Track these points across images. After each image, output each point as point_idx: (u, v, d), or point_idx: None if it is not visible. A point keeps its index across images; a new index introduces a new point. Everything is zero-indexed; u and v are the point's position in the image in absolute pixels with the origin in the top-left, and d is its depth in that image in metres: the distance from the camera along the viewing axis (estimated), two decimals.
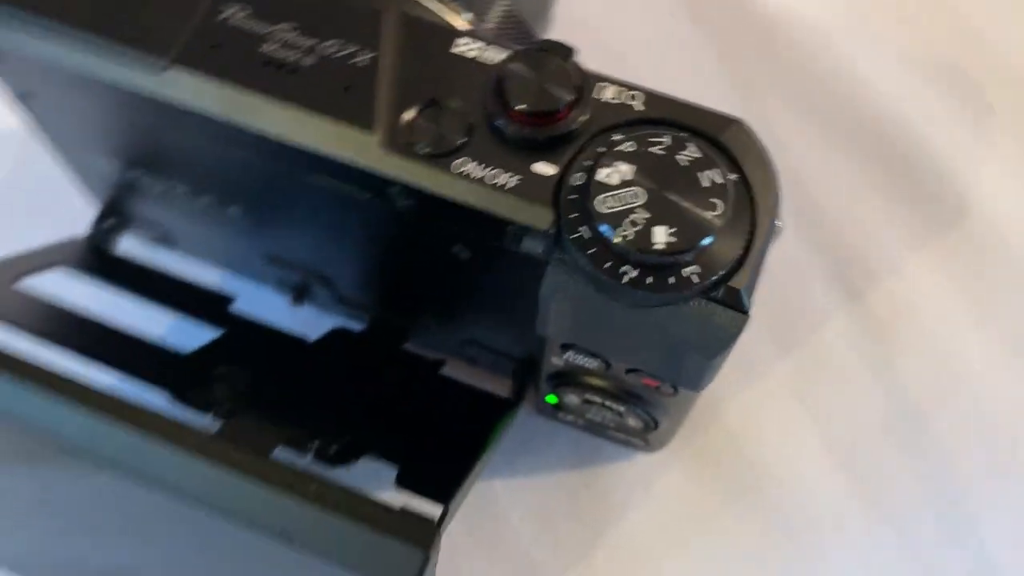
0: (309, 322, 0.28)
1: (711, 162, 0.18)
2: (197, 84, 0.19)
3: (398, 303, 0.26)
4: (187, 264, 0.29)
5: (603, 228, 0.17)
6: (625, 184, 0.18)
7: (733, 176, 0.18)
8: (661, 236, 0.17)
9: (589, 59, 0.19)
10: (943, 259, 0.29)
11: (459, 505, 0.21)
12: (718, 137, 0.18)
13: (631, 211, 0.17)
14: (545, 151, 0.18)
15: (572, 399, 0.24)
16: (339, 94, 0.19)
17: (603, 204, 0.17)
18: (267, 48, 0.19)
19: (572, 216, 0.18)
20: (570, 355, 0.21)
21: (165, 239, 0.29)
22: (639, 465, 0.27)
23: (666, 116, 0.19)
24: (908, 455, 0.27)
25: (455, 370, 0.27)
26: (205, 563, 0.22)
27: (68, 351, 0.22)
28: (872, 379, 0.28)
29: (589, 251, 0.18)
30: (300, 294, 0.27)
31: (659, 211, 0.17)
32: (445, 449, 0.22)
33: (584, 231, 0.18)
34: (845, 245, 0.30)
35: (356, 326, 0.27)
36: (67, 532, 0.24)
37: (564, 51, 0.19)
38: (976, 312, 0.29)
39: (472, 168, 0.18)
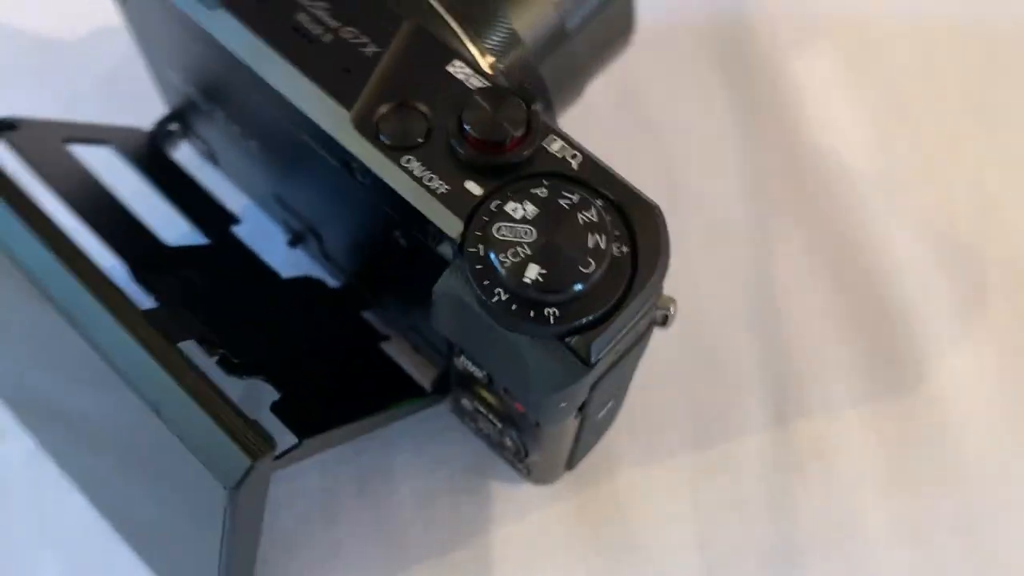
0: (300, 265, 0.31)
1: (602, 228, 0.20)
2: (234, 28, 0.23)
3: (364, 274, 0.29)
4: (225, 186, 0.33)
5: (492, 253, 0.20)
6: (524, 221, 0.20)
7: (622, 247, 0.20)
8: (532, 272, 0.20)
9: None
10: (880, 422, 0.30)
11: (315, 451, 0.23)
12: (627, 212, 0.21)
13: (519, 245, 0.20)
14: (481, 174, 0.21)
15: (467, 404, 0.26)
16: (338, 72, 0.22)
17: (500, 232, 0.20)
18: (300, 17, 0.23)
19: (476, 234, 0.20)
20: (463, 359, 0.24)
21: (211, 157, 0.33)
22: (525, 493, 0.29)
23: (592, 181, 0.21)
24: None
25: (399, 349, 0.30)
26: (107, 422, 0.25)
27: (71, 206, 0.25)
28: (768, 507, 0.29)
29: (476, 267, 0.20)
30: (296, 239, 0.31)
31: (540, 253, 0.20)
32: (335, 402, 0.25)
33: (479, 249, 0.20)
34: (793, 369, 0.31)
35: (332, 283, 0.31)
36: (29, 363, 0.27)
37: (529, 97, 0.21)
38: (892, 485, 0.29)
39: (416, 167, 0.21)
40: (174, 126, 0.32)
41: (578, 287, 0.20)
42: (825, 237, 0.33)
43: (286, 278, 0.29)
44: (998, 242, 0.33)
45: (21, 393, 0.29)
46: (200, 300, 0.25)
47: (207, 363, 0.23)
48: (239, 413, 0.21)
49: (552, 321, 0.20)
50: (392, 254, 0.25)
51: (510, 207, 0.20)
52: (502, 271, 0.20)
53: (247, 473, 0.20)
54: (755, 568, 0.28)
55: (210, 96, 0.27)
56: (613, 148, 0.24)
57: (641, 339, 0.22)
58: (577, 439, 0.26)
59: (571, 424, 0.24)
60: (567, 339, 0.20)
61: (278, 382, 0.24)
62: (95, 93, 0.35)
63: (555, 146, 0.21)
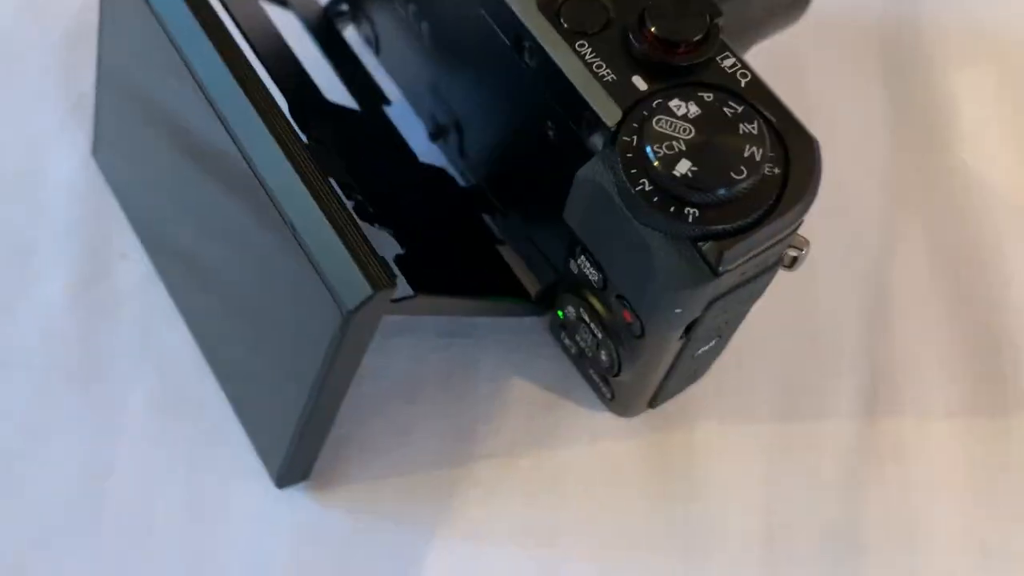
0: (432, 159, 0.32)
1: (760, 142, 0.20)
2: None
3: (496, 176, 0.29)
4: (379, 74, 0.34)
5: (646, 143, 0.20)
6: (684, 119, 0.20)
7: (774, 168, 0.20)
8: (683, 167, 0.20)
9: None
10: (970, 438, 0.29)
11: (425, 310, 0.24)
12: (785, 138, 0.21)
13: (675, 139, 0.20)
14: (649, 72, 0.21)
15: (571, 311, 0.26)
16: None
17: (658, 124, 0.20)
18: None
19: (632, 124, 0.21)
20: (581, 260, 0.24)
21: (373, 43, 0.34)
22: (600, 422, 0.29)
23: (757, 101, 0.21)
24: (828, 569, 0.28)
25: (510, 260, 0.30)
26: (229, 249, 0.26)
27: (249, 44, 0.27)
28: (839, 493, 0.29)
29: (627, 154, 0.20)
30: (438, 133, 0.32)
31: (695, 149, 0.20)
32: (450, 275, 0.25)
33: (633, 138, 0.20)
34: (894, 366, 0.30)
35: (461, 182, 0.31)
36: (165, 184, 0.29)
37: (713, 10, 0.22)
38: (970, 502, 0.29)
39: (588, 52, 0.22)
40: (344, 6, 0.34)
41: (723, 192, 0.20)
42: (952, 248, 0.32)
43: (422, 162, 0.30)
44: None
45: (150, 215, 0.31)
46: (345, 152, 0.26)
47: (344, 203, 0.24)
48: (371, 248, 0.21)
49: (691, 220, 0.20)
50: (535, 150, 0.25)
51: (674, 103, 0.20)
52: (653, 160, 0.20)
53: (367, 300, 0.21)
54: (814, 547, 0.28)
55: None
56: None
57: (766, 272, 0.22)
58: (671, 369, 0.26)
59: (673, 344, 0.24)
60: (700, 243, 0.20)
61: (403, 240, 0.25)
62: None
63: (727, 62, 0.22)
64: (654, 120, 0.20)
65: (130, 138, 0.31)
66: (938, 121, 0.34)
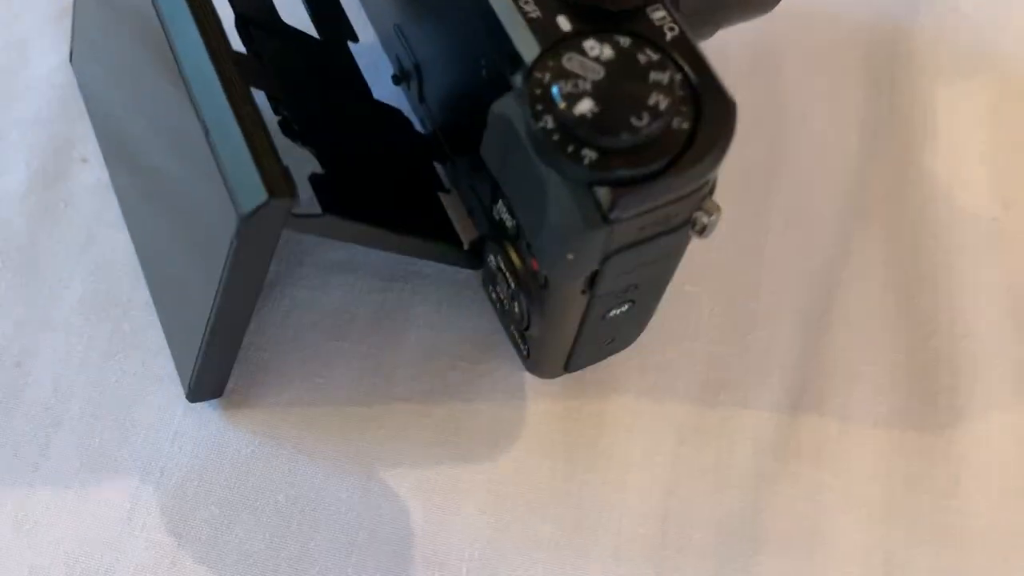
0: (393, 103, 0.32)
1: (669, 92, 0.20)
2: None
3: (448, 124, 0.29)
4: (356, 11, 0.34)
5: (555, 82, 0.20)
6: (596, 60, 0.20)
7: (683, 123, 0.20)
8: (585, 106, 0.20)
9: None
10: (893, 452, 0.29)
11: (335, 233, 0.24)
12: (702, 96, 0.20)
13: (582, 79, 0.20)
14: (576, 14, 0.21)
15: (491, 260, 0.26)
16: None
17: (569, 62, 0.20)
18: None
19: (547, 63, 0.20)
20: (499, 205, 0.24)
21: None
22: (518, 381, 0.29)
23: (678, 55, 0.21)
24: (718, 563, 0.27)
25: (453, 209, 0.30)
26: (162, 148, 0.26)
27: None
28: (747, 487, 0.28)
29: (535, 90, 0.20)
30: (402, 76, 0.32)
31: (599, 91, 0.20)
32: (374, 205, 0.25)
33: (544, 76, 0.20)
34: (826, 368, 0.30)
35: (419, 128, 0.31)
36: (120, 83, 0.29)
37: None
38: (882, 514, 0.28)
39: None
40: None
41: (624, 137, 0.19)
42: (907, 263, 0.31)
43: (379, 100, 0.30)
44: None
45: (110, 124, 0.31)
46: (286, 72, 0.26)
47: (267, 117, 0.24)
48: (277, 158, 0.21)
49: (586, 162, 0.20)
50: (475, 92, 0.25)
51: (588, 44, 0.20)
52: (558, 98, 0.20)
53: (261, 206, 0.21)
54: (709, 537, 0.27)
55: None
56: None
57: (672, 234, 0.22)
58: (581, 329, 0.25)
59: (577, 298, 0.23)
60: (595, 187, 0.20)
61: (325, 162, 0.25)
62: None
63: (658, 15, 0.21)
64: (564, 58, 0.20)
65: (99, 47, 0.31)
66: (915, 133, 0.33)
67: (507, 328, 0.29)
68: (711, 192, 0.22)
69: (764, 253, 0.31)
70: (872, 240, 0.32)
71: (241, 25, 0.26)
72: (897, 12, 0.36)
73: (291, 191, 0.21)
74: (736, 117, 0.21)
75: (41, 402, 0.29)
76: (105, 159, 0.32)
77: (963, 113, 0.34)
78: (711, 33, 0.30)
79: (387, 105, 0.30)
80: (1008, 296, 0.31)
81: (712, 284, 0.31)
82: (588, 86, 0.20)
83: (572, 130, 0.20)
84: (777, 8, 0.30)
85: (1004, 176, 0.33)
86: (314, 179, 0.24)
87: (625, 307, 0.25)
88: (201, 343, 0.26)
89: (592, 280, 0.23)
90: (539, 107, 0.20)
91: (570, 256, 0.21)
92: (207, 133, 0.22)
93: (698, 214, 0.22)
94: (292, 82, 0.26)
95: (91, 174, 0.32)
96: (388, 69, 0.32)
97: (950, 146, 0.33)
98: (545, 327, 0.25)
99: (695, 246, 0.23)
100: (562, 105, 0.20)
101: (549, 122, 0.20)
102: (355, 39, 0.31)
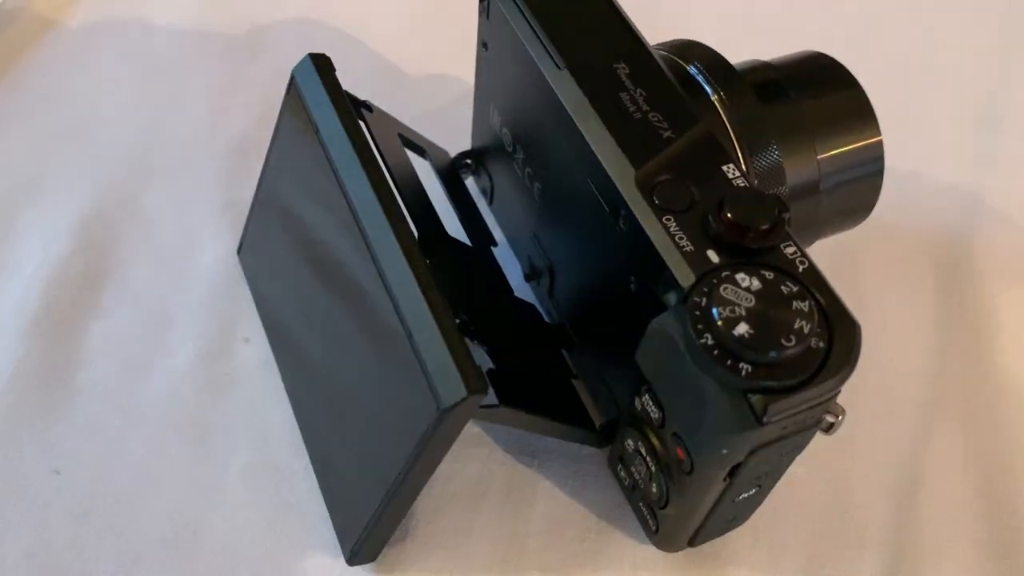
0: (525, 296, 0.37)
1: (809, 318, 0.24)
2: (571, 88, 0.29)
3: (579, 317, 0.34)
4: (489, 220, 0.39)
5: (713, 305, 0.24)
6: (747, 290, 0.24)
7: (819, 342, 0.24)
8: (742, 328, 0.24)
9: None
10: None
11: (504, 420, 0.28)
12: (832, 319, 0.25)
13: (737, 305, 0.24)
14: (721, 249, 0.26)
15: (630, 443, 0.30)
16: (638, 141, 0.28)
17: (724, 291, 0.24)
18: (623, 95, 0.29)
19: (703, 289, 0.25)
20: (645, 398, 0.28)
21: (487, 194, 0.39)
22: (642, 554, 0.32)
23: (811, 285, 0.25)
24: None
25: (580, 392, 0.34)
26: (342, 345, 0.31)
27: (392, 178, 0.32)
28: None
29: (695, 312, 0.24)
30: (533, 274, 0.36)
31: (753, 316, 0.24)
32: (529, 396, 0.29)
33: (703, 300, 0.25)
34: (915, 550, 0.33)
35: (547, 319, 0.36)
36: (296, 280, 0.34)
37: (783, 206, 0.26)
38: None
39: (673, 226, 0.26)
40: (469, 161, 0.39)
41: (773, 355, 0.23)
42: (985, 450, 0.35)
43: (517, 297, 0.35)
44: None
45: (275, 310, 0.36)
46: (457, 278, 0.31)
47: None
48: (471, 358, 0.26)
49: (743, 374, 0.24)
50: (616, 299, 0.29)
51: (740, 276, 0.25)
52: (717, 320, 0.24)
53: (462, 400, 0.25)
54: None
55: (519, 138, 0.34)
56: None
57: (805, 431, 0.26)
58: (713, 510, 0.29)
59: (718, 485, 0.27)
60: (750, 395, 0.24)
61: (495, 358, 0.29)
62: (421, 119, 0.42)
63: (789, 250, 0.26)
64: (721, 287, 0.24)
65: (273, 243, 0.36)
66: (983, 332, 0.38)
67: (635, 503, 0.32)
68: (836, 397, 0.26)
69: (856, 443, 0.35)
70: (951, 430, 0.35)
71: (423, 239, 0.31)
72: (960, 224, 0.41)
73: (484, 388, 0.25)
74: (861, 338, 0.25)
75: (213, 566, 0.32)
76: (268, 339, 0.36)
77: (1022, 311, 0.38)
78: (809, 244, 0.35)
79: (524, 301, 0.35)
80: None
81: (810, 463, 0.34)
82: (743, 312, 0.24)
83: (730, 347, 0.24)
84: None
85: None
86: (490, 374, 0.28)
87: (753, 491, 0.29)
88: (375, 511, 0.29)
89: (734, 470, 0.26)
90: (700, 326, 0.24)
91: (724, 451, 0.25)
92: (409, 333, 0.26)
93: (827, 416, 0.26)
94: (463, 287, 0.31)
95: (254, 352, 0.37)
96: (515, 264, 0.37)
97: (1016, 342, 0.37)
98: (682, 507, 0.29)
99: None
100: (721, 325, 0.24)
101: (709, 339, 0.24)
102: (495, 243, 0.36)
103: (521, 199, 0.35)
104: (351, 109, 0.31)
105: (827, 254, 0.39)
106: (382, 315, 0.28)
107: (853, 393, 0.36)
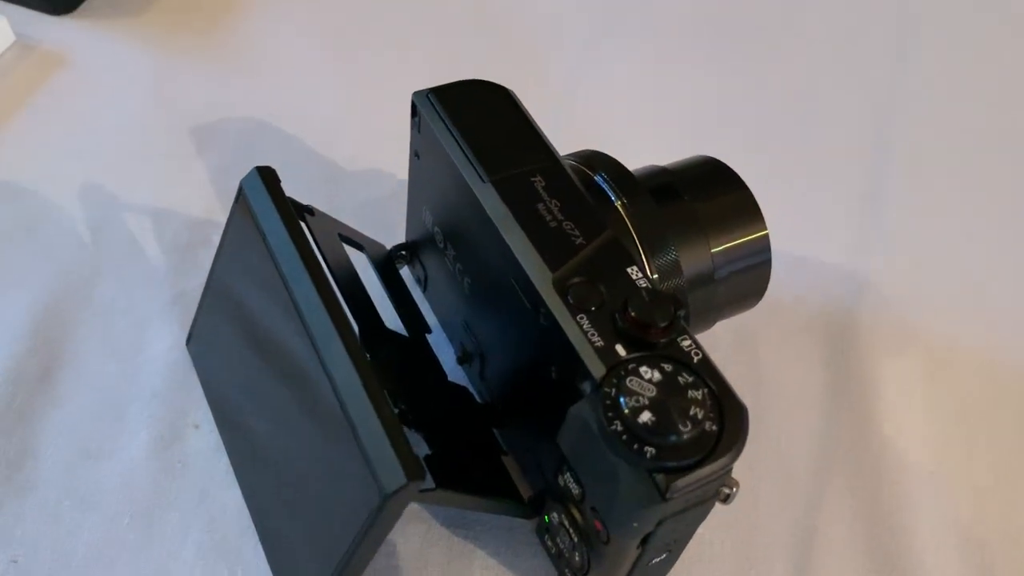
0: (457, 377, 0.40)
1: (703, 405, 0.28)
2: (494, 199, 0.33)
3: (507, 398, 0.37)
4: (423, 306, 0.42)
5: (621, 396, 0.28)
6: (649, 381, 0.28)
7: (712, 425, 0.28)
8: (645, 416, 0.27)
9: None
10: None
11: (440, 501, 0.31)
12: (723, 403, 0.28)
13: (641, 396, 0.28)
14: (628, 343, 0.29)
15: (555, 516, 0.33)
16: (554, 248, 0.32)
17: (631, 383, 0.28)
18: (540, 206, 0.33)
19: (613, 380, 0.28)
20: (567, 476, 0.31)
21: (422, 282, 0.43)
22: None
23: (704, 374, 0.29)
24: None
25: (509, 467, 0.37)
26: (287, 431, 0.33)
27: (334, 279, 0.35)
28: None
29: (606, 402, 0.28)
30: (464, 358, 0.40)
31: (655, 405, 0.28)
32: (463, 475, 0.33)
33: (612, 391, 0.28)
34: None
35: (478, 399, 0.39)
36: (243, 369, 0.37)
37: (678, 304, 0.30)
38: None
39: (586, 324, 0.30)
40: (403, 252, 0.43)
41: (672, 438, 0.27)
42: (870, 504, 0.39)
43: (451, 381, 0.38)
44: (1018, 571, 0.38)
45: (224, 398, 0.38)
46: (395, 369, 0.34)
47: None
48: (409, 446, 0.29)
49: (648, 456, 0.27)
50: (539, 383, 0.33)
51: (643, 369, 0.28)
52: (624, 408, 0.28)
53: (403, 487, 0.28)
54: None
55: (450, 237, 0.37)
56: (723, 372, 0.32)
57: (705, 503, 0.29)
58: (630, 574, 0.32)
59: (632, 552, 0.30)
60: (655, 474, 0.27)
61: (432, 443, 0.32)
62: (358, 213, 0.46)
63: (685, 343, 0.30)
64: (627, 380, 0.28)
65: (221, 335, 0.39)
66: (867, 398, 0.42)
67: (561, 570, 0.35)
68: (729, 473, 0.29)
69: (758, 504, 0.39)
70: (840, 489, 0.39)
71: (364, 334, 0.34)
72: (846, 297, 0.46)
73: (422, 474, 0.28)
74: (748, 420, 0.29)
75: None
76: (218, 425, 0.39)
77: (903, 379, 0.43)
78: (710, 327, 0.39)
79: (457, 384, 0.38)
80: (957, 542, 0.38)
81: (719, 529, 0.38)
82: (646, 400, 0.28)
83: (636, 432, 0.27)
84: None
85: (941, 434, 0.42)
86: (427, 459, 0.31)
87: (664, 555, 0.32)
88: None
89: (646, 539, 0.30)
90: (610, 414, 0.28)
91: (635, 524, 0.28)
92: (352, 426, 0.29)
93: (723, 488, 0.29)
94: (401, 378, 0.34)
95: (204, 438, 0.39)
96: (448, 348, 0.41)
97: (895, 408, 0.42)
98: (601, 571, 0.32)
99: None
100: (628, 413, 0.28)
101: (618, 426, 0.28)
102: (429, 331, 0.40)
103: (453, 289, 0.39)
104: (295, 215, 0.34)
105: (730, 331, 0.43)
106: (326, 406, 0.30)
107: (754, 458, 0.40)
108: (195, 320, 0.40)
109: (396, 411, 0.32)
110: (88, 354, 0.41)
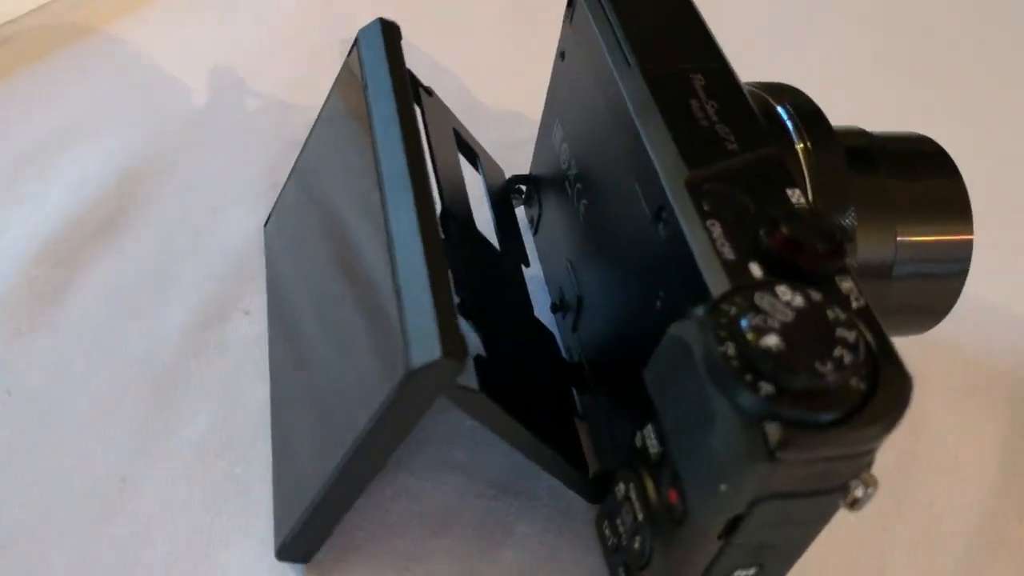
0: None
1: (854, 350, 0.20)
2: (639, 86, 0.27)
3: (594, 362, 0.30)
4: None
5: (744, 314, 0.21)
6: (787, 305, 0.21)
7: (860, 383, 0.20)
8: (771, 341, 0.20)
9: None
10: None
11: (482, 414, 0.24)
12: (880, 365, 0.21)
13: (771, 317, 0.20)
14: (769, 265, 0.22)
15: (621, 488, 0.26)
16: (696, 143, 0.25)
17: (761, 300, 0.21)
18: (693, 103, 0.26)
19: (736, 299, 0.21)
20: (647, 430, 0.24)
21: (532, 223, 0.37)
22: None
23: (863, 323, 0.21)
24: None
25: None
26: (334, 317, 0.28)
27: (432, 160, 0.30)
28: None
29: (721, 319, 0.21)
30: (560, 306, 0.33)
31: (788, 331, 0.20)
32: (519, 399, 0.26)
33: (732, 309, 0.21)
34: None
35: (564, 354, 0.32)
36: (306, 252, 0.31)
37: (847, 235, 0.23)
38: None
39: (716, 232, 0.23)
40: (522, 187, 0.37)
41: (803, 378, 0.20)
42: None
43: (537, 317, 0.31)
44: None
45: (282, 287, 0.33)
46: (471, 266, 0.28)
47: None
48: (457, 327, 0.22)
49: (763, 395, 0.20)
50: (640, 329, 0.26)
51: (781, 289, 0.21)
52: (745, 328, 0.20)
53: (434, 362, 0.22)
54: None
55: (576, 152, 0.32)
56: None
57: (824, 496, 0.21)
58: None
59: (709, 543, 0.23)
60: (766, 422, 0.20)
61: (489, 348, 0.25)
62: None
63: (846, 284, 0.22)
64: (757, 295, 0.21)
65: (296, 216, 0.34)
66: None
67: (612, 569, 0.27)
68: (869, 466, 0.21)
69: (888, 567, 0.30)
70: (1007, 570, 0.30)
71: (443, 216, 0.28)
72: None
73: (462, 356, 0.22)
74: (912, 392, 0.21)
75: (133, 525, 0.28)
76: (268, 314, 0.34)
77: None
78: None
79: (543, 324, 0.32)
80: None
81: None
82: (777, 324, 0.20)
83: (753, 360, 0.20)
84: (929, 334, 0.31)
85: None
86: (478, 360, 0.24)
87: (752, 571, 0.24)
88: (317, 494, 0.25)
89: (732, 525, 0.22)
90: (723, 333, 0.21)
91: (723, 487, 0.21)
92: (398, 292, 0.23)
93: (854, 482, 0.21)
94: (473, 274, 0.28)
95: (250, 327, 0.34)
96: (544, 296, 0.34)
97: None
98: (665, 569, 0.24)
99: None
100: (749, 335, 0.20)
101: (731, 349, 0.20)
102: (527, 264, 0.33)
103: (565, 222, 0.33)
104: (408, 82, 0.29)
105: None
106: (379, 277, 0.25)
107: (897, 513, 0.31)
108: (277, 200, 0.36)
109: (457, 298, 0.26)
110: (160, 219, 0.38)
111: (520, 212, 0.38)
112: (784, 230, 0.22)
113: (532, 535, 0.29)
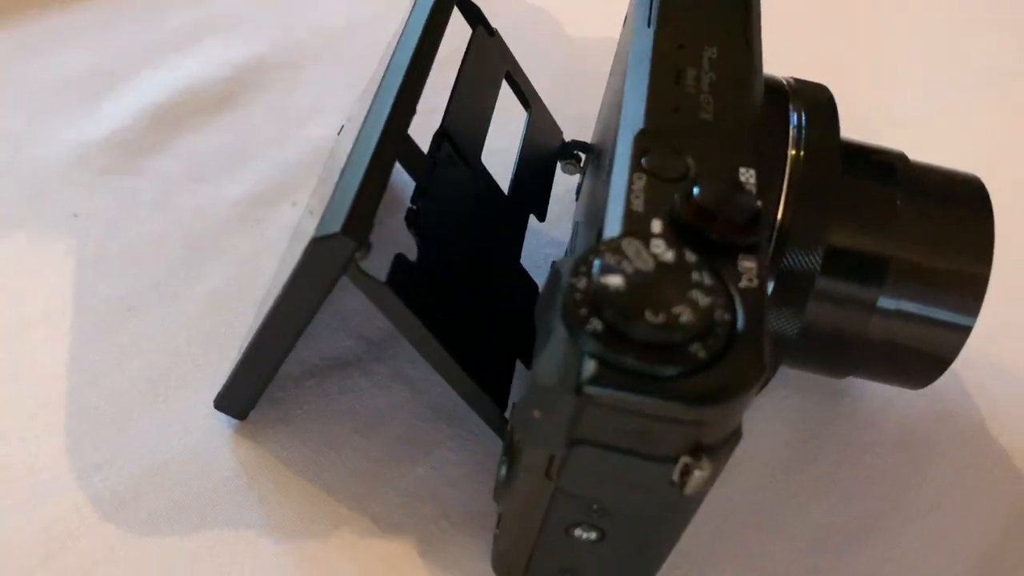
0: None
1: (703, 316, 0.19)
2: (642, 46, 0.26)
3: None
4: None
5: (604, 252, 0.20)
6: (653, 256, 0.20)
7: (699, 351, 0.19)
8: (615, 281, 0.19)
9: None
10: None
11: (388, 309, 0.25)
12: (737, 341, 0.20)
13: (628, 261, 0.20)
14: (670, 227, 0.21)
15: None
16: (668, 106, 0.25)
17: (627, 246, 0.20)
18: (690, 71, 0.26)
19: (614, 242, 0.21)
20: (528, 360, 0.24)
21: (577, 191, 0.37)
22: (480, 568, 0.27)
23: (741, 302, 0.20)
24: None
25: None
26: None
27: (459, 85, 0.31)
28: None
29: (589, 257, 0.20)
30: None
31: (636, 278, 0.20)
32: (442, 313, 0.26)
33: (603, 250, 0.21)
34: None
35: None
36: None
37: (762, 217, 0.22)
38: None
39: (639, 186, 0.22)
40: (576, 152, 0.37)
41: (631, 325, 0.19)
42: None
43: (522, 266, 0.32)
44: None
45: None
46: (448, 188, 0.29)
47: (405, 194, 0.27)
48: (372, 209, 0.23)
49: (588, 329, 0.19)
50: None
51: (655, 241, 0.21)
52: (598, 264, 0.20)
53: (329, 236, 0.23)
54: None
55: (602, 115, 0.32)
56: None
57: (645, 458, 0.20)
58: (542, 531, 0.24)
59: (540, 483, 0.22)
60: (587, 357, 0.19)
61: (429, 261, 0.26)
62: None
63: (747, 263, 0.21)
64: (625, 240, 0.20)
65: (347, 124, 0.36)
66: None
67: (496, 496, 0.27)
68: (710, 454, 0.20)
69: None
70: None
71: (439, 135, 0.29)
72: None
73: (361, 238, 0.23)
74: (759, 385, 0.20)
75: (126, 344, 0.32)
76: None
77: None
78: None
79: (527, 274, 0.32)
80: None
81: None
82: (630, 269, 0.20)
83: (594, 295, 0.20)
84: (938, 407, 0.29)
85: None
86: (399, 259, 0.25)
87: (593, 534, 0.23)
88: (244, 354, 0.28)
89: (558, 467, 0.21)
90: (582, 268, 0.20)
91: (536, 413, 0.20)
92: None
93: (685, 458, 0.20)
94: (445, 196, 0.29)
95: (292, 216, 0.37)
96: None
97: None
98: (508, 503, 0.24)
99: None
100: (597, 272, 0.20)
101: (579, 282, 0.20)
102: (541, 218, 0.34)
103: (587, 183, 0.33)
104: (446, 7, 0.30)
105: (897, 418, 0.32)
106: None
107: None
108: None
109: (413, 206, 0.27)
110: (261, 107, 0.41)
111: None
112: (696, 196, 0.22)
113: (451, 463, 0.30)
